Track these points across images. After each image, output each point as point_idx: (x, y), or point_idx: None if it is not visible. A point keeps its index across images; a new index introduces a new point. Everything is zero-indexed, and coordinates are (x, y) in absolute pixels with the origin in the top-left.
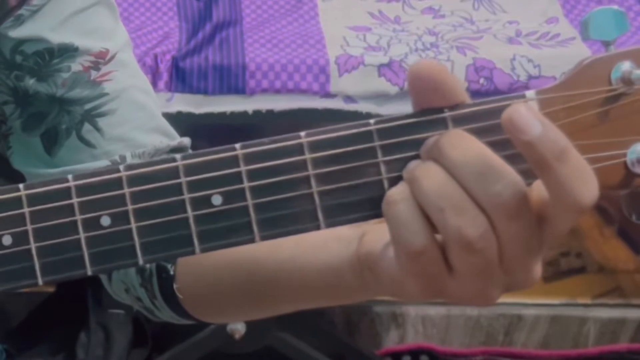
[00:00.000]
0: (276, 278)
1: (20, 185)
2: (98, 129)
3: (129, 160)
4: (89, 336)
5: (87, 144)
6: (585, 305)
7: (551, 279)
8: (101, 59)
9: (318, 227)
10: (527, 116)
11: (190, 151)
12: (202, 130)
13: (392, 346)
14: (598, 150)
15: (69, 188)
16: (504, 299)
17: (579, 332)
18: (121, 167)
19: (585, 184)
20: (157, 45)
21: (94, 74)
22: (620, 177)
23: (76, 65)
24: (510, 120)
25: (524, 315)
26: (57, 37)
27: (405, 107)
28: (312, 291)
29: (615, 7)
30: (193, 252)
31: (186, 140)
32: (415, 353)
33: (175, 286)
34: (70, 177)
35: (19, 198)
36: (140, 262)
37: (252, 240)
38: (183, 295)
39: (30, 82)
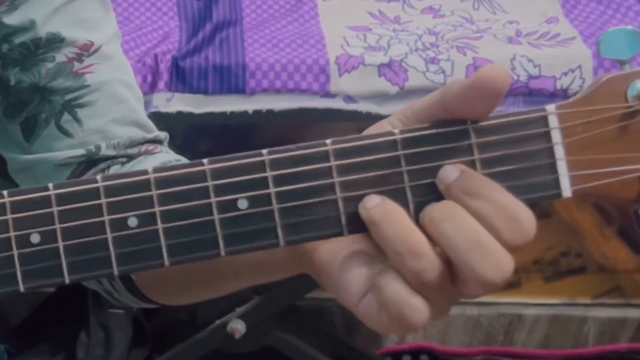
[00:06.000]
0: (216, 262)
1: (50, 185)
2: (77, 120)
3: (104, 150)
4: (89, 336)
5: (65, 133)
6: (585, 305)
7: (551, 279)
8: (85, 51)
9: (341, 234)
10: None
11: (166, 145)
12: (202, 130)
13: (392, 346)
14: (615, 164)
15: (97, 189)
16: (504, 298)
17: (579, 332)
18: (149, 170)
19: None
20: (157, 45)
21: (77, 65)
22: (636, 191)
23: (60, 56)
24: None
25: (524, 315)
26: (47, 26)
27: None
28: (250, 270)
29: (630, 27)
30: (218, 255)
31: (163, 135)
32: (415, 353)
33: None
34: (99, 177)
35: (48, 197)
36: (166, 263)
37: (277, 245)
38: (136, 277)
39: (14, 71)
